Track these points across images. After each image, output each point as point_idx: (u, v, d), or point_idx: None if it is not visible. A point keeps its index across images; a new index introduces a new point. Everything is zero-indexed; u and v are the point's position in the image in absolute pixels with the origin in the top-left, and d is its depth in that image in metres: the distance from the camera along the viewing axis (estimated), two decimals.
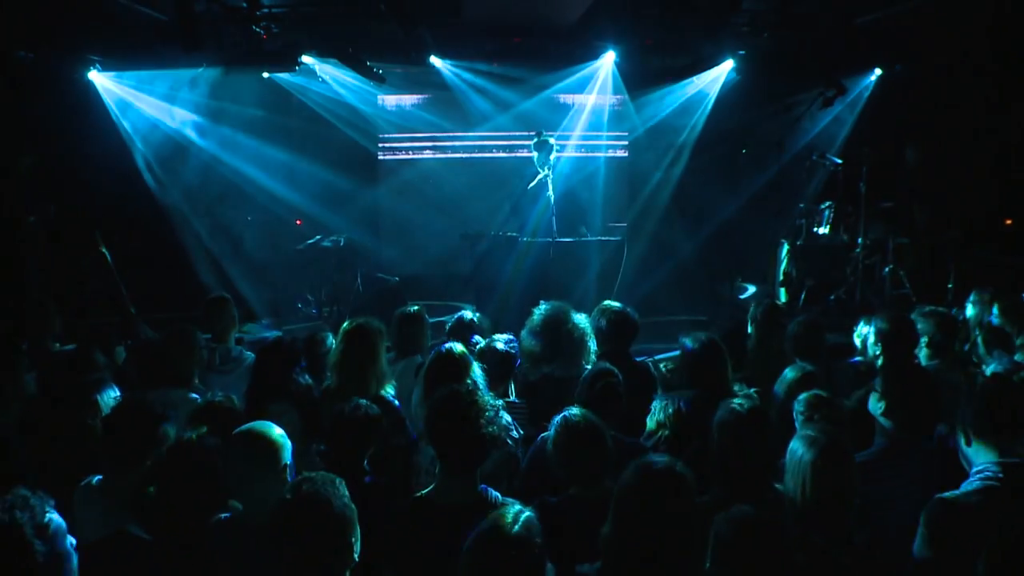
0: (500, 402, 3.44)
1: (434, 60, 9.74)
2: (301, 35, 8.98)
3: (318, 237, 9.12)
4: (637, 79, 10.14)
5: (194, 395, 4.40)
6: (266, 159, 10.27)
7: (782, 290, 9.18)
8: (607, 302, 5.19)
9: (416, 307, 5.30)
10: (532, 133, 7.91)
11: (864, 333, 5.20)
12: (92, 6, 8.04)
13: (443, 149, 11.50)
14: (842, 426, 3.29)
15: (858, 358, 5.21)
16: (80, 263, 8.38)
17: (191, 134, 10.02)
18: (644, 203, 10.96)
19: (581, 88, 10.27)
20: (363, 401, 3.64)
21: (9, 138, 8.49)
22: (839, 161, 9.01)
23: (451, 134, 11.34)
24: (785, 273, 9.17)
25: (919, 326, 4.92)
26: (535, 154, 7.66)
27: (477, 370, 4.05)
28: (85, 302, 8.09)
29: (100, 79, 9.40)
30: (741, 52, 9.30)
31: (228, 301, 5.58)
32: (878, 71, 10.00)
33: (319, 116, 10.61)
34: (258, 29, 8.62)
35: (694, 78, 9.90)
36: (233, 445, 2.94)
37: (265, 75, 9.82)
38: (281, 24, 8.87)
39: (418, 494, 3.06)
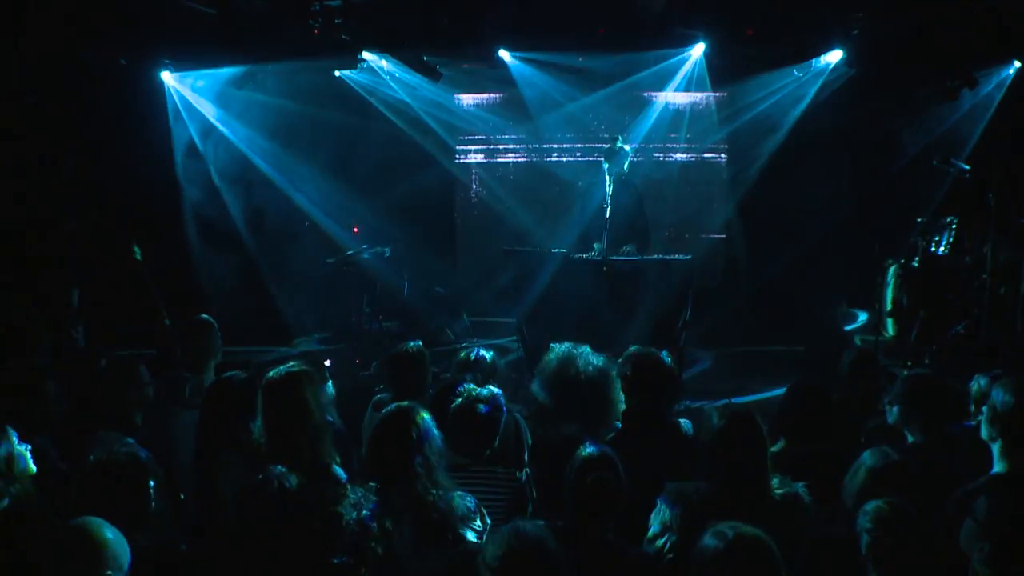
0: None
1: (503, 55, 9.03)
2: (354, 27, 8.43)
3: (349, 253, 8.44)
4: (730, 72, 9.29)
5: (130, 439, 3.86)
6: (330, 164, 9.93)
7: (890, 321, 8.25)
8: (636, 347, 4.22)
9: (414, 344, 4.49)
10: (609, 137, 7.07)
11: (978, 390, 3.98)
12: (144, 2, 7.78)
13: (517, 152, 11.00)
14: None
15: (979, 419, 3.98)
16: (116, 271, 8.08)
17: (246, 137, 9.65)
18: (733, 212, 10.06)
19: (665, 84, 9.37)
20: (278, 469, 2.90)
21: (58, 140, 8.26)
22: (966, 167, 7.96)
23: (522, 137, 10.78)
24: (894, 301, 8.22)
25: None
26: (606, 163, 6.80)
27: (434, 440, 3.10)
28: (115, 313, 7.77)
29: (172, 80, 9.10)
30: (853, 36, 8.31)
31: (209, 326, 5.01)
32: (1017, 63, 8.76)
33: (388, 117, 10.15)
34: (314, 23, 8.15)
35: (796, 70, 9.03)
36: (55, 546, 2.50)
37: (336, 74, 9.47)
38: (339, 17, 8.34)
39: None
